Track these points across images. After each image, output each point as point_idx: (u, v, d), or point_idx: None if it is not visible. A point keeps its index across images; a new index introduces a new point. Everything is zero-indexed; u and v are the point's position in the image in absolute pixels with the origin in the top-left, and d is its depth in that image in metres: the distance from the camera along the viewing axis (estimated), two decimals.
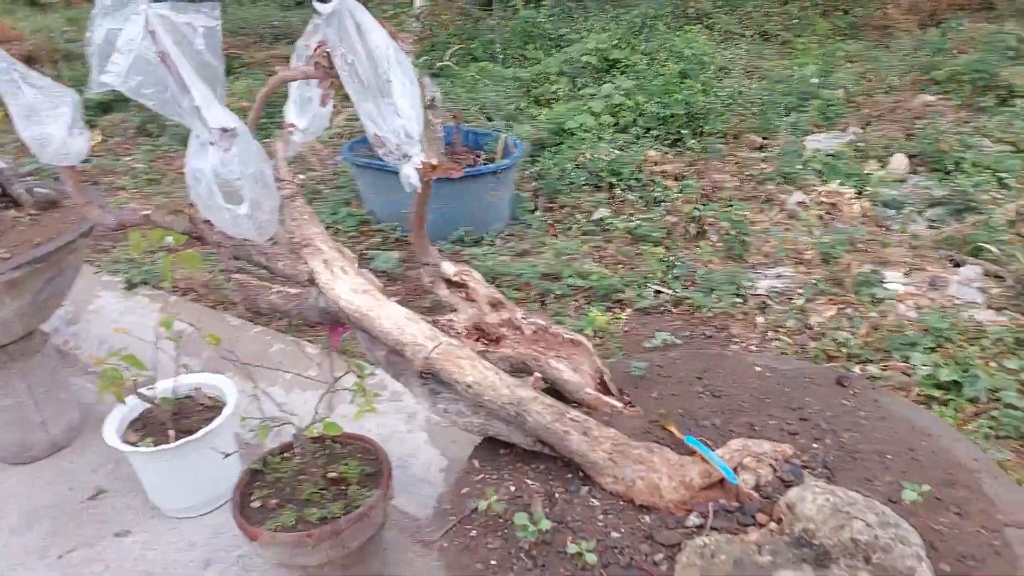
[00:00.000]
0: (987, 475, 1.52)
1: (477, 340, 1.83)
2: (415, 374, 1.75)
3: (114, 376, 2.47)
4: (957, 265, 4.06)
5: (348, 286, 1.74)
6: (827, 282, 3.93)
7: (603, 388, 1.78)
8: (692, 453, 1.53)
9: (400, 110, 1.66)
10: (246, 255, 2.17)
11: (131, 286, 4.19)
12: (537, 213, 4.97)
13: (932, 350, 3.32)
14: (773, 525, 1.37)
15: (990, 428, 2.79)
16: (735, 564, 1.28)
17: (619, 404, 1.72)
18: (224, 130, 1.61)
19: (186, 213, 2.06)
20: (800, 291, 3.92)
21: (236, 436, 2.98)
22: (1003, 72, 6.61)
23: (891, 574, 1.23)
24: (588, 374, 1.79)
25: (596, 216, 4.77)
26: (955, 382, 3.00)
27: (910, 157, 5.55)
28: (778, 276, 4.09)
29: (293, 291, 2.04)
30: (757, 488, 1.47)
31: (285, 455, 2.52)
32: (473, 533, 1.48)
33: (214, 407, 2.93)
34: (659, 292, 3.93)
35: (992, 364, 3.15)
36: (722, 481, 1.47)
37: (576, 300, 3.91)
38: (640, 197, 4.83)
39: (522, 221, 4.86)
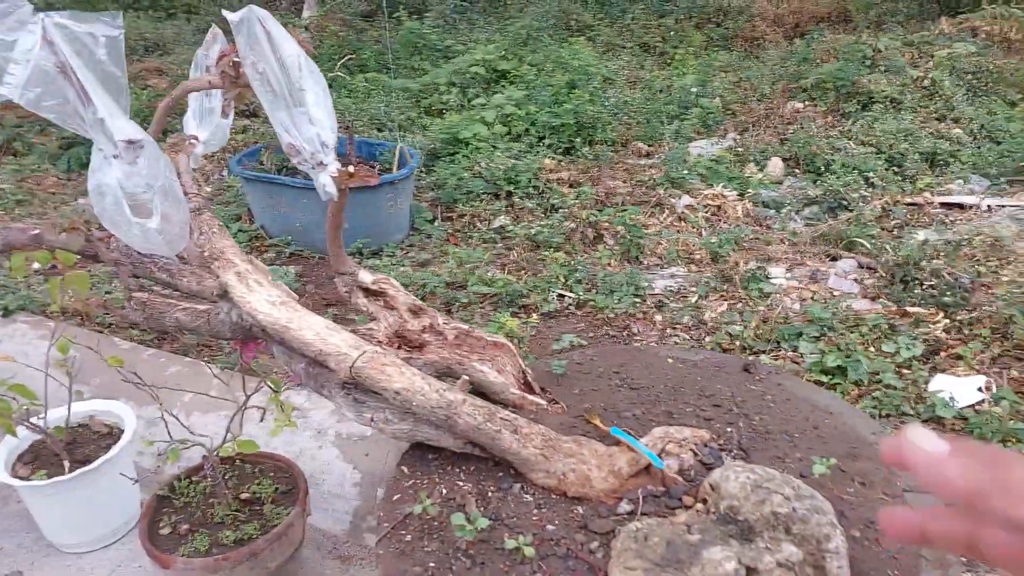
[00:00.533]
0: None
1: (399, 348, 1.83)
2: (339, 385, 1.74)
3: (1, 407, 2.31)
4: (834, 259, 4.35)
5: (264, 298, 1.71)
6: (718, 279, 4.13)
7: (527, 387, 1.82)
8: (618, 443, 1.58)
9: (314, 119, 1.65)
10: (147, 273, 2.10)
11: (7, 312, 3.93)
12: (437, 223, 4.98)
13: (817, 339, 3.54)
14: (699, 506, 1.44)
15: (874, 408, 3.00)
16: (667, 545, 1.34)
17: (543, 402, 1.77)
18: (130, 142, 1.55)
19: (80, 231, 1.96)
20: (693, 289, 4.10)
21: (136, 464, 2.84)
22: (862, 79, 7.13)
23: (810, 542, 1.32)
24: (512, 375, 1.82)
25: (496, 224, 4.82)
26: (840, 367, 3.21)
27: (784, 160, 5.91)
28: (672, 276, 4.26)
29: (201, 307, 1.98)
30: (681, 472, 1.54)
31: (193, 479, 2.42)
32: (408, 538, 1.48)
33: (111, 434, 2.79)
34: (562, 296, 4.02)
35: (871, 349, 3.40)
36: (648, 467, 1.53)
37: (482, 307, 3.94)
38: (538, 204, 4.92)
39: (422, 231, 4.86)
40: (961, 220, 4.79)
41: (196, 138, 2.11)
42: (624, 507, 1.47)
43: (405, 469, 1.68)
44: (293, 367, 1.84)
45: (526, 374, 1.82)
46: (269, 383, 2.05)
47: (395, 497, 1.60)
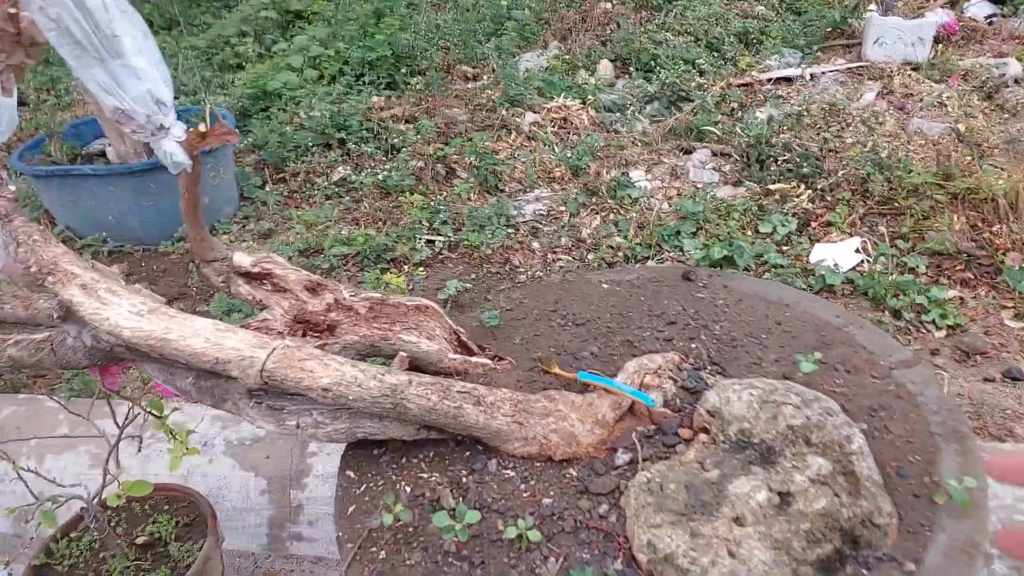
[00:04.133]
0: (854, 327, 1.56)
1: (305, 335, 1.53)
2: (245, 394, 1.42)
3: None
4: (687, 152, 4.34)
5: (126, 310, 1.35)
6: (584, 194, 4.01)
7: (463, 348, 1.58)
8: (586, 387, 1.40)
9: (139, 71, 1.28)
10: None
11: None
12: (268, 187, 4.52)
13: (694, 234, 3.51)
14: (703, 437, 1.29)
15: None
16: (687, 490, 1.17)
17: (488, 361, 1.54)
18: None
19: None
20: (562, 208, 3.96)
21: None
22: None
23: (832, 449, 1.20)
24: (443, 338, 1.57)
25: (336, 177, 4.44)
26: (727, 257, 3.19)
27: (611, 61, 5.84)
28: (537, 199, 4.10)
29: (38, 336, 1.57)
30: (666, 404, 1.38)
31: (72, 536, 2.03)
32: (383, 555, 1.23)
33: None
34: (431, 242, 3.76)
35: (748, 233, 3.41)
36: (631, 408, 1.35)
37: (347, 269, 3.61)
38: (377, 148, 4.57)
39: (254, 199, 4.38)
40: (791, 93, 4.93)
41: None
42: (621, 457, 1.29)
43: (351, 474, 1.41)
44: (177, 384, 1.50)
45: (459, 334, 1.58)
46: (148, 408, 1.69)
47: (350, 510, 1.33)
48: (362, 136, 4.65)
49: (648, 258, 3.46)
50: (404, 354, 1.42)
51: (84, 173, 3.86)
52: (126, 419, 1.84)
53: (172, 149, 1.32)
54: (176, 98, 5.75)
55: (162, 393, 1.74)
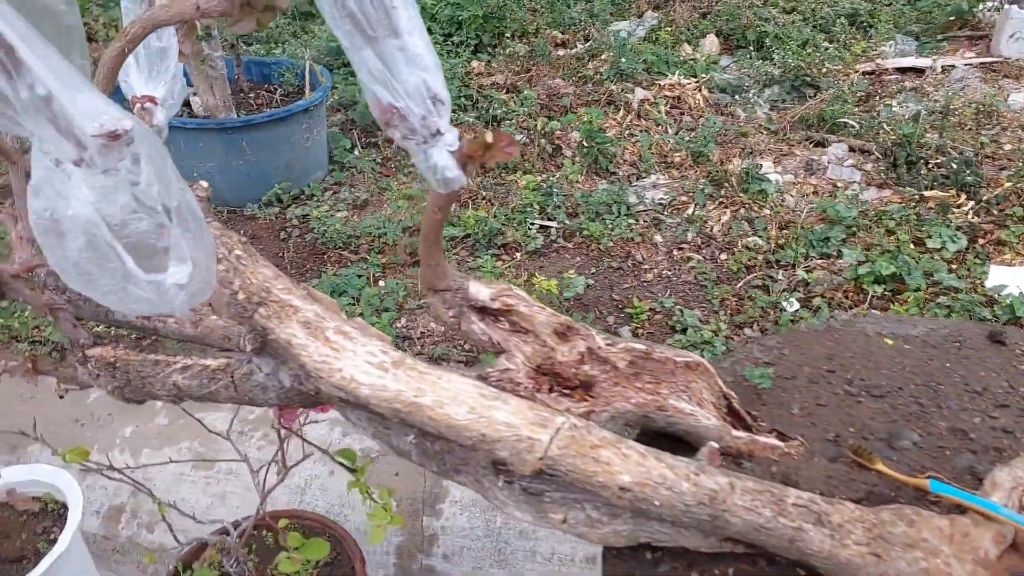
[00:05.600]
0: None
1: (552, 391, 1.22)
2: (490, 468, 1.13)
3: None
4: (818, 145, 3.97)
5: (364, 361, 1.05)
6: (709, 184, 3.66)
7: (735, 418, 1.28)
8: (932, 502, 1.09)
9: (414, 55, 0.96)
10: (101, 315, 1.37)
11: None
12: (357, 151, 4.19)
13: (844, 241, 3.17)
14: None
15: (947, 317, 2.67)
16: None
17: (778, 443, 1.23)
18: (112, 136, 0.82)
19: None
20: (685, 199, 3.62)
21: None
22: None
23: None
24: (711, 403, 1.26)
25: None
26: (894, 275, 2.85)
27: (716, 36, 5.43)
28: (655, 186, 3.75)
29: (211, 363, 1.28)
30: None
31: (196, 567, 1.76)
32: None
33: (46, 513, 2.04)
34: (544, 227, 3.43)
35: (912, 247, 3.06)
36: (1013, 541, 1.04)
37: (457, 253, 3.30)
38: (477, 117, 4.22)
39: (344, 164, 4.06)
40: (925, 86, 4.52)
41: (151, 98, 1.34)
42: None
43: None
44: (393, 442, 1.21)
45: (731, 400, 1.28)
46: (339, 458, 1.40)
47: None
48: (461, 103, 4.29)
49: (791, 265, 3.12)
50: (715, 445, 1.11)
51: (171, 125, 3.53)
52: (280, 449, 1.55)
53: (445, 162, 0.99)
54: (249, 45, 5.40)
55: (285, 422, 1.44)
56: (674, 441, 1.27)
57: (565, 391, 1.23)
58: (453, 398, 1.03)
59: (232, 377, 1.26)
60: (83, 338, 1.36)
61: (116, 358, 1.33)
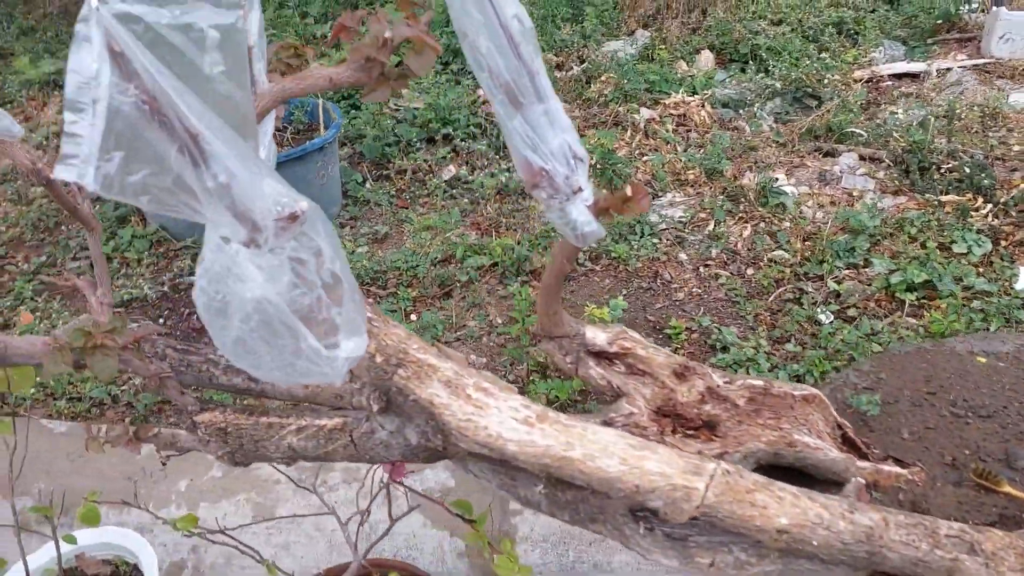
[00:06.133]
0: None
1: (675, 432, 1.23)
2: (627, 515, 1.13)
3: None
4: (828, 155, 4.02)
5: (508, 417, 1.05)
6: (726, 200, 3.70)
7: (850, 447, 1.29)
8: None
9: (556, 118, 0.98)
10: (206, 380, 1.36)
11: None
12: (369, 185, 4.19)
13: (868, 250, 3.22)
14: None
15: (982, 322, 2.70)
16: None
17: (901, 471, 1.25)
18: (293, 217, 0.83)
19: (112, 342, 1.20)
20: (704, 215, 3.66)
21: None
22: None
23: None
24: (826, 434, 1.28)
25: (446, 176, 4.11)
26: (927, 282, 2.89)
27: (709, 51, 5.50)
28: (672, 204, 3.79)
29: (327, 424, 1.27)
30: None
31: None
32: None
33: None
34: None
35: (940, 252, 3.11)
36: None
37: (487, 283, 3.31)
38: (488, 145, 4.23)
39: (359, 198, 4.05)
40: (923, 91, 4.60)
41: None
42: None
43: None
44: (521, 493, 1.21)
45: (845, 430, 1.29)
46: (457, 511, 1.40)
47: None
48: (470, 132, 4.31)
49: (818, 277, 3.16)
50: (861, 480, 1.12)
51: None
52: (387, 502, 1.55)
53: (584, 217, 1.01)
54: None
55: (396, 477, 1.44)
56: (785, 472, 1.28)
57: (689, 432, 1.24)
58: (603, 450, 1.04)
59: (351, 436, 1.26)
60: (191, 405, 1.35)
61: (227, 423, 1.32)
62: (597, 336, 1.25)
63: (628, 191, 1.01)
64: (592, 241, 1.04)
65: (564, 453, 1.04)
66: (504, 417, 1.06)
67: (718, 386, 1.25)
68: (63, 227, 4.00)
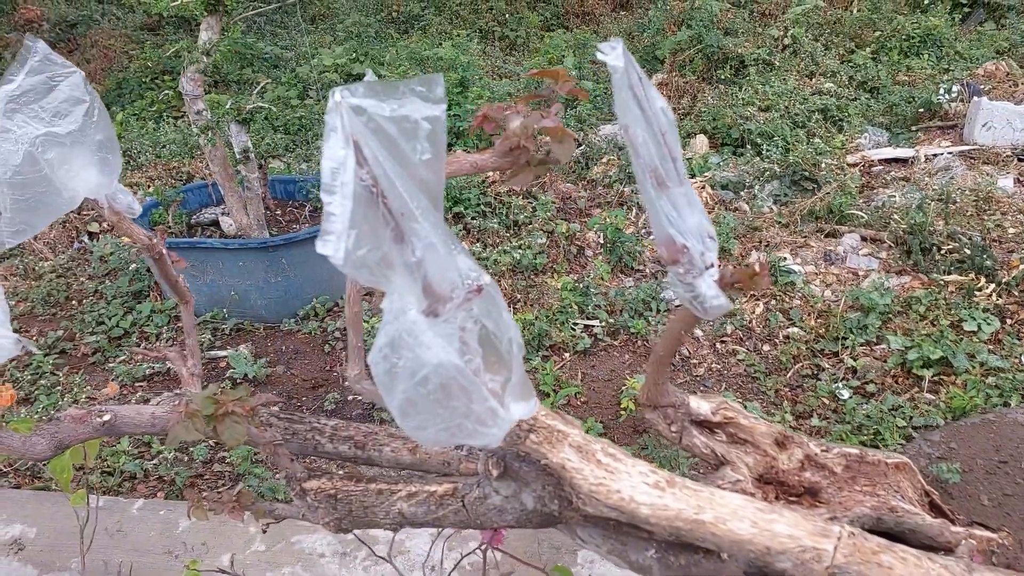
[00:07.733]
0: None
1: (777, 499, 1.27)
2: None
3: None
4: (829, 236, 4.18)
5: (640, 481, 1.08)
6: None
7: (938, 513, 1.34)
8: None
9: (693, 199, 1.05)
10: (314, 449, 1.39)
11: None
12: None
13: (879, 327, 3.32)
14: None
15: (999, 397, 2.78)
16: None
17: (993, 535, 1.29)
18: (479, 290, 0.89)
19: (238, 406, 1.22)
20: None
21: None
22: (728, 45, 7.13)
23: None
24: (915, 500, 1.32)
25: None
26: (942, 358, 2.98)
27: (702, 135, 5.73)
28: None
29: (438, 490, 1.30)
30: None
31: None
32: None
33: None
34: (588, 327, 3.51)
35: (951, 330, 3.22)
36: None
37: None
38: (499, 223, 4.34)
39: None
40: (913, 175, 4.82)
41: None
42: None
43: None
44: (631, 558, 1.23)
45: (932, 496, 1.34)
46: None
47: None
48: (481, 210, 4.42)
49: (833, 354, 3.25)
50: (973, 542, 1.16)
51: (209, 246, 3.56)
52: (483, 570, 1.55)
53: (713, 291, 1.07)
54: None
55: (496, 543, 1.46)
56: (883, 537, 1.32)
57: (792, 498, 1.28)
58: (732, 513, 1.07)
59: (463, 501, 1.28)
60: (300, 472, 1.37)
61: (336, 489, 1.34)
62: (701, 406, 1.30)
63: (757, 267, 1.08)
64: (719, 314, 1.10)
65: (696, 516, 1.07)
66: (636, 481, 1.09)
67: (816, 454, 1.30)
68: (73, 302, 3.98)
